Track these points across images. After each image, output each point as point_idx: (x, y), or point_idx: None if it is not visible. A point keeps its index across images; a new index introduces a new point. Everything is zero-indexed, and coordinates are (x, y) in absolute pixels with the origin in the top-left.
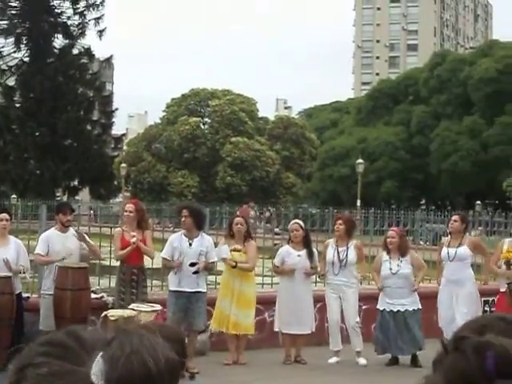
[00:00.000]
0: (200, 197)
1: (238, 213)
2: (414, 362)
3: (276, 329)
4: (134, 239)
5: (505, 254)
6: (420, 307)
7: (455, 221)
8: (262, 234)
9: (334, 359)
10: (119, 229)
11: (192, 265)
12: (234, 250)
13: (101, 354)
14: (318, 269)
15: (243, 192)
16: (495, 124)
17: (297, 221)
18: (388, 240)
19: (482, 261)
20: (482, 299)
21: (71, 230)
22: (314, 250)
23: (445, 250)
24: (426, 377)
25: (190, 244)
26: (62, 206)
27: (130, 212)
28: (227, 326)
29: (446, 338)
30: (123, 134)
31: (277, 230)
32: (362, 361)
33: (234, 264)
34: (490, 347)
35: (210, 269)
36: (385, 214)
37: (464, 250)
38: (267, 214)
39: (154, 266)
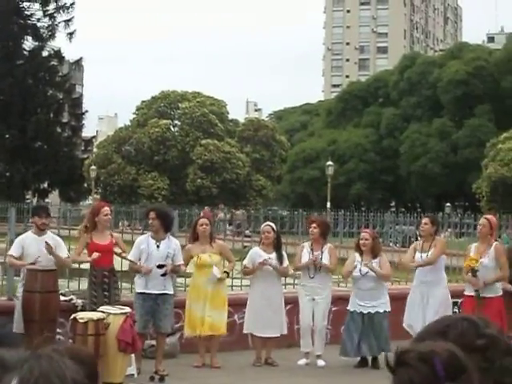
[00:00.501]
0: (170, 199)
1: (201, 215)
2: (374, 363)
3: (245, 331)
4: (94, 255)
5: (467, 263)
6: (389, 310)
7: (425, 223)
8: (231, 236)
9: (303, 361)
10: (86, 234)
11: (160, 267)
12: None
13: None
14: (290, 272)
15: (213, 194)
16: (464, 126)
17: (269, 223)
18: (361, 242)
19: (453, 263)
20: (451, 301)
21: (49, 234)
22: (284, 252)
23: (417, 255)
24: None
25: (158, 246)
26: (37, 209)
27: (109, 215)
28: (201, 329)
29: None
30: (93, 137)
31: (247, 232)
32: (321, 362)
33: (226, 276)
34: (434, 354)
35: (176, 271)
36: (354, 217)
37: (430, 253)
38: (221, 214)
39: (124, 269)
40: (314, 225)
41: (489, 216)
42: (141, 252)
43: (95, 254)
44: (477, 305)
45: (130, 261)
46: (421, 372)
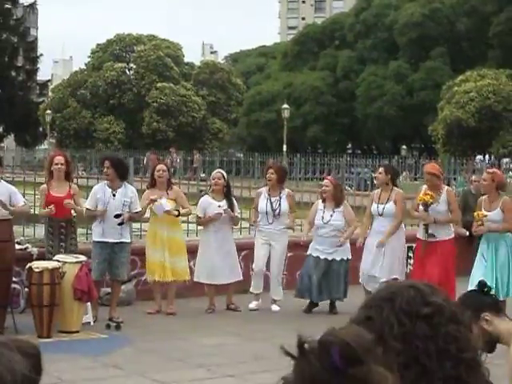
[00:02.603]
0: (126, 143)
1: (145, 160)
2: (332, 308)
3: (195, 279)
4: (67, 201)
5: (421, 197)
6: (350, 257)
7: (380, 173)
8: (186, 180)
9: (254, 304)
10: (44, 185)
11: (117, 216)
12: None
13: None
14: (236, 215)
15: (169, 138)
16: (420, 69)
17: (219, 170)
18: (322, 189)
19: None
20: (406, 245)
21: (2, 183)
22: (234, 200)
23: (374, 206)
24: (284, 378)
25: (114, 195)
26: None
27: (62, 165)
28: (164, 274)
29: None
30: (48, 80)
31: (203, 175)
32: (275, 307)
33: (177, 214)
34: (331, 345)
35: (134, 219)
36: (309, 161)
37: (390, 206)
38: (168, 159)
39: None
40: (271, 171)
41: (432, 169)
42: (97, 201)
43: (50, 208)
44: (426, 245)
45: (87, 209)
46: (319, 361)
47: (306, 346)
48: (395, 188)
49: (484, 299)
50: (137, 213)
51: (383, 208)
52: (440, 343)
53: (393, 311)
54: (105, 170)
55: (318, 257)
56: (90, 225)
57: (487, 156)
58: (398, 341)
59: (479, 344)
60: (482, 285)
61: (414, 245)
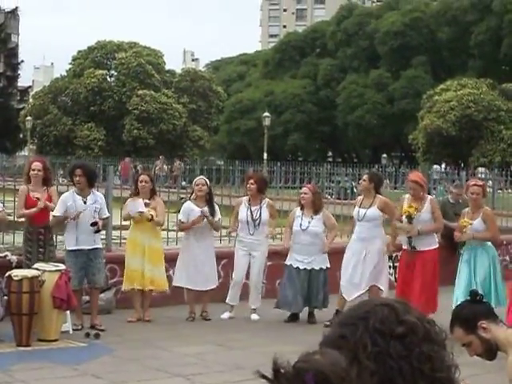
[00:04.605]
0: (106, 150)
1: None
2: (310, 318)
3: (174, 284)
4: (40, 203)
5: (406, 209)
6: (328, 266)
7: (364, 180)
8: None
9: (226, 314)
10: (24, 187)
11: (93, 224)
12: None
13: None
14: (217, 220)
15: (150, 145)
16: (401, 77)
17: (202, 177)
18: (301, 196)
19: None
20: (387, 255)
21: None
22: (216, 206)
23: (356, 210)
24: None
25: (85, 202)
26: None
27: (39, 171)
28: (141, 283)
29: (342, 297)
30: (29, 87)
31: (184, 183)
32: (255, 316)
33: (150, 217)
34: (305, 371)
35: (105, 225)
36: (289, 170)
37: (373, 211)
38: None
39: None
40: (251, 181)
41: (416, 178)
42: (67, 209)
43: (40, 203)
44: (410, 255)
45: (54, 216)
46: None
47: (281, 370)
48: (378, 195)
49: (478, 308)
50: (106, 218)
51: (365, 213)
52: (414, 363)
53: (367, 330)
54: (77, 178)
55: (297, 268)
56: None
57: (443, 165)
58: (371, 360)
59: (455, 362)
60: (473, 294)
61: (393, 254)
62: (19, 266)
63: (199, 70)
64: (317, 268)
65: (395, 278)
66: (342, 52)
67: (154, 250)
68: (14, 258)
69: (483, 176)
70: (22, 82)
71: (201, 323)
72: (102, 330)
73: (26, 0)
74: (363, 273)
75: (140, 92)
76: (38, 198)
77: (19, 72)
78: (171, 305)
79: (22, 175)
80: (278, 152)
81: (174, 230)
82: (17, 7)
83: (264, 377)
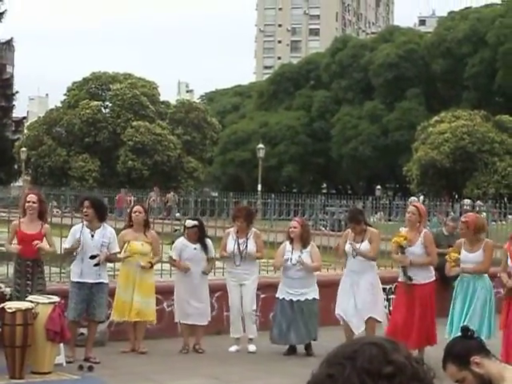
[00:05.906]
0: (101, 181)
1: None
2: (308, 350)
3: (176, 320)
4: (35, 242)
5: (395, 240)
6: (317, 298)
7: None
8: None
9: (234, 347)
10: (16, 222)
11: (92, 257)
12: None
13: None
14: (217, 255)
15: (144, 176)
16: (395, 109)
17: (195, 222)
18: (290, 230)
19: (382, 248)
20: (381, 286)
21: None
22: (209, 241)
23: (348, 246)
24: None
25: (92, 236)
26: None
27: (33, 203)
28: (129, 314)
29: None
30: (24, 117)
31: (178, 215)
32: (252, 347)
33: (149, 266)
34: None
35: (112, 260)
36: (283, 202)
37: (365, 246)
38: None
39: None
40: (240, 220)
41: (417, 203)
42: (76, 241)
43: (15, 246)
44: (406, 288)
45: (65, 249)
46: None
47: None
48: (369, 228)
49: (470, 344)
50: (115, 254)
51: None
52: None
53: (354, 370)
54: (84, 210)
55: (290, 300)
56: (64, 264)
57: (421, 197)
58: None
59: None
60: (464, 330)
61: (387, 286)
62: (12, 298)
63: (194, 101)
64: (309, 298)
65: (389, 310)
66: (336, 84)
67: (144, 283)
68: (7, 290)
69: (468, 208)
70: (17, 112)
71: (195, 356)
72: (97, 363)
73: (22, 31)
74: (355, 306)
75: (134, 123)
76: (37, 243)
77: (14, 103)
78: (165, 337)
79: (16, 206)
80: (272, 183)
81: (167, 262)
82: (12, 38)
83: None
